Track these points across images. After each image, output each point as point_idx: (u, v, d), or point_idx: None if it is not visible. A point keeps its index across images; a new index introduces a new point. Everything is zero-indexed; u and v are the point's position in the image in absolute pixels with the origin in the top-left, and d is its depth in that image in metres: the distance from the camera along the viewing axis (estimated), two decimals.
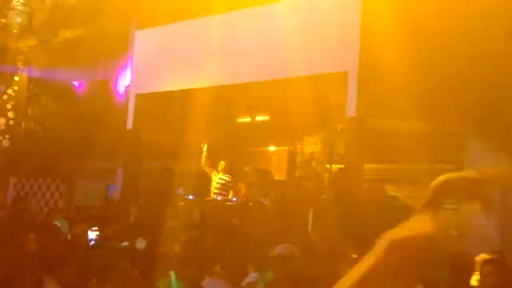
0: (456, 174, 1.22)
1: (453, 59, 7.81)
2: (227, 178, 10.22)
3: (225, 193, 9.97)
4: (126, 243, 6.58)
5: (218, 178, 10.27)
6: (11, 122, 16.14)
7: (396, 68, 8.14)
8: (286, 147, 11.05)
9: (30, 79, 15.23)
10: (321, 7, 9.08)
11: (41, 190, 15.48)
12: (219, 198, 9.71)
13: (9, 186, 15.46)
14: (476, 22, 7.99)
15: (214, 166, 10.42)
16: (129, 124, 11.47)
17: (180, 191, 11.25)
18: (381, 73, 8.19)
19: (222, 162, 10.29)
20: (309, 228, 7.74)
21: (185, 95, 10.89)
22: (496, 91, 7.95)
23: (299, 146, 10.68)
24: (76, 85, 12.89)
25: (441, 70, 8.08)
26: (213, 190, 10.14)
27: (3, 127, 16.14)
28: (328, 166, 9.36)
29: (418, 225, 1.18)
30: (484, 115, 8.18)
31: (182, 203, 9.83)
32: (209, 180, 10.41)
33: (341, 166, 8.71)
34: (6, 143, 16.02)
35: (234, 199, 9.75)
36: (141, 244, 6.10)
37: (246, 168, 9.77)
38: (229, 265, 4.45)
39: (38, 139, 15.31)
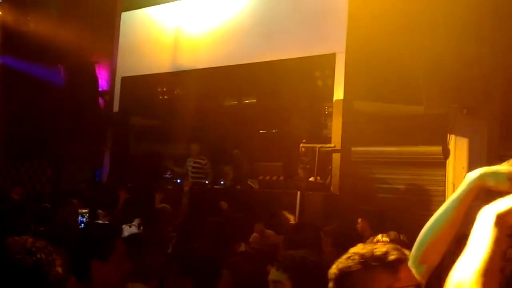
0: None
1: (441, 40, 7.78)
2: (202, 161, 10.10)
3: (201, 176, 9.87)
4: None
5: (192, 163, 10.14)
6: None
7: (384, 50, 8.13)
8: (274, 130, 11.03)
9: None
10: None
11: (28, 174, 15.38)
12: (206, 182, 9.68)
13: None
14: (464, 4, 7.96)
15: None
16: (116, 107, 11.36)
17: (168, 174, 11.22)
18: (369, 55, 8.16)
19: (194, 145, 10.13)
20: (296, 211, 7.75)
21: (171, 77, 10.79)
22: (483, 73, 7.95)
23: (286, 129, 10.65)
24: (61, 68, 12.69)
25: (429, 51, 8.05)
26: (189, 174, 10.04)
27: None
28: (316, 148, 9.34)
29: None
30: (471, 97, 8.19)
31: (170, 186, 9.79)
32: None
33: (329, 148, 8.70)
34: None
35: (222, 182, 9.73)
36: (128, 229, 6.05)
37: (234, 151, 9.73)
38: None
39: (24, 122, 15.13)
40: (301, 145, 8.78)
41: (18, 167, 15.54)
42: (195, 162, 10.12)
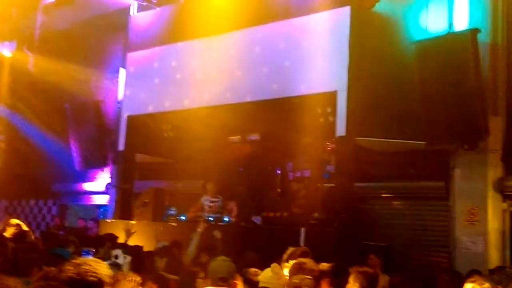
0: None
1: (441, 77, 7.93)
2: (217, 200, 10.19)
3: (217, 215, 9.94)
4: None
5: (209, 202, 10.22)
6: (2, 145, 16.14)
7: (385, 88, 8.29)
8: (277, 166, 11.11)
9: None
10: (310, 28, 9.22)
11: (33, 212, 15.45)
12: (211, 219, 9.69)
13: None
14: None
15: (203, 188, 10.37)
16: (121, 145, 11.50)
17: (172, 211, 11.27)
18: (370, 92, 8.31)
19: (210, 184, 10.22)
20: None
21: (176, 116, 10.96)
22: (484, 109, 8.06)
23: (290, 165, 10.73)
24: (68, 106, 12.91)
25: (429, 88, 8.19)
26: (205, 213, 10.10)
27: None
28: (319, 184, 9.42)
29: None
30: (472, 133, 8.28)
31: (174, 223, 9.83)
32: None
33: (332, 184, 8.77)
34: None
35: (226, 218, 9.76)
36: (124, 259, 6.01)
37: (238, 188, 9.80)
38: None
39: (29, 161, 15.29)
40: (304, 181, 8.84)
41: (23, 205, 15.62)
42: (211, 202, 10.14)
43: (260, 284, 4.20)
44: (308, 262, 4.09)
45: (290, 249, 5.46)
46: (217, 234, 8.46)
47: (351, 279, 4.22)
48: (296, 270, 3.94)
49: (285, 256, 5.21)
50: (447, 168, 8.66)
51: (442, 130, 8.07)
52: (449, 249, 8.32)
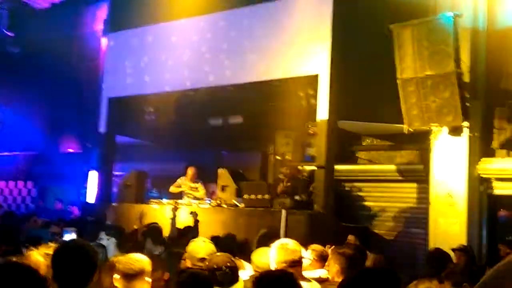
0: None
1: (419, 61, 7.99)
2: (198, 186, 10.24)
3: (197, 199, 9.98)
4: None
5: (189, 186, 10.25)
6: None
7: (367, 70, 8.32)
8: (259, 149, 11.15)
9: None
10: (293, 11, 9.18)
11: (13, 194, 15.33)
12: (194, 201, 9.73)
13: None
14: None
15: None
16: (102, 127, 11.41)
17: (154, 193, 11.27)
18: (352, 75, 8.34)
19: (191, 169, 10.26)
20: (281, 230, 7.83)
21: (158, 98, 10.89)
22: (463, 92, 8.15)
23: (271, 148, 10.77)
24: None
25: (411, 72, 8.24)
26: (187, 197, 10.13)
27: None
28: (300, 167, 9.47)
29: None
30: (452, 116, 8.37)
31: (156, 205, 9.83)
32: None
33: (313, 167, 8.82)
34: None
35: (208, 200, 9.80)
36: (107, 241, 6.00)
37: (220, 170, 9.80)
38: None
39: (9, 142, 15.13)
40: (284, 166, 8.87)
41: (2, 187, 15.49)
42: (191, 188, 10.20)
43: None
44: (293, 243, 4.08)
45: (261, 231, 5.47)
46: (194, 215, 8.51)
47: (330, 261, 4.25)
48: (281, 250, 3.92)
49: (256, 238, 5.23)
50: (426, 151, 8.77)
51: (422, 113, 8.15)
52: (427, 231, 8.46)
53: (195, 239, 4.65)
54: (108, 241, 5.77)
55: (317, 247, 4.94)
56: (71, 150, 14.51)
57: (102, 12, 12.99)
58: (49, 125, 14.06)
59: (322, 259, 4.72)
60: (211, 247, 4.45)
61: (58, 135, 14.39)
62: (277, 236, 5.36)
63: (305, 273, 4.06)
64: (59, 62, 13.40)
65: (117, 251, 5.74)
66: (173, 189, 10.29)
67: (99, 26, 12.98)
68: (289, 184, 8.90)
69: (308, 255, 4.73)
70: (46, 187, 15.15)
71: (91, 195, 11.71)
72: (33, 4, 13.96)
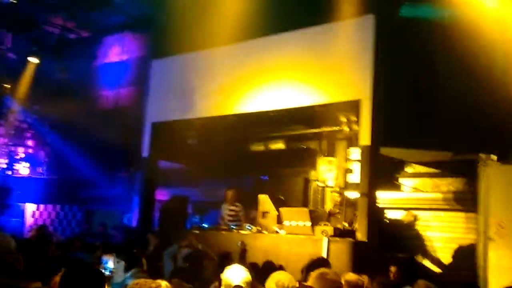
0: None
1: (467, 85, 7.76)
2: (237, 208, 10.19)
3: (238, 222, 9.92)
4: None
5: (227, 210, 10.22)
6: (30, 150, 16.42)
7: (410, 96, 8.14)
8: (301, 175, 11.01)
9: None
10: (334, 36, 9.11)
11: (59, 218, 15.63)
12: (233, 227, 9.65)
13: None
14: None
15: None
16: (145, 152, 11.55)
17: (194, 218, 11.26)
18: (395, 101, 8.17)
19: (230, 192, 10.24)
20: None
21: (200, 123, 10.97)
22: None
23: (313, 174, 10.62)
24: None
25: (456, 97, 8.02)
26: (225, 221, 10.10)
27: (22, 155, 16.40)
28: (342, 194, 9.30)
29: None
30: (501, 143, 8.08)
31: (197, 231, 9.81)
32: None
33: (356, 194, 8.63)
34: (25, 171, 16.25)
35: (249, 227, 9.70)
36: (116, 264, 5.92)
37: (260, 196, 9.71)
38: None
39: (55, 166, 15.51)
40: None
41: (49, 211, 15.83)
42: (230, 210, 10.18)
43: None
44: (330, 272, 3.97)
45: (309, 260, 5.36)
46: (241, 244, 8.39)
47: None
48: (319, 280, 3.81)
49: (304, 267, 5.12)
50: (474, 179, 8.45)
51: (469, 139, 7.89)
52: (477, 264, 8.10)
53: (231, 266, 4.56)
54: (118, 264, 5.71)
55: (351, 276, 4.79)
56: (116, 174, 14.75)
57: (146, 39, 13.28)
58: (95, 149, 14.33)
59: None
60: (247, 275, 4.36)
61: (103, 159, 14.65)
62: (323, 265, 5.22)
63: None
64: (103, 87, 13.72)
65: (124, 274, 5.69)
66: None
67: (144, 53, 13.26)
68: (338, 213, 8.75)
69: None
70: (91, 211, 15.40)
71: (135, 219, 11.81)
72: (79, 31, 14.43)
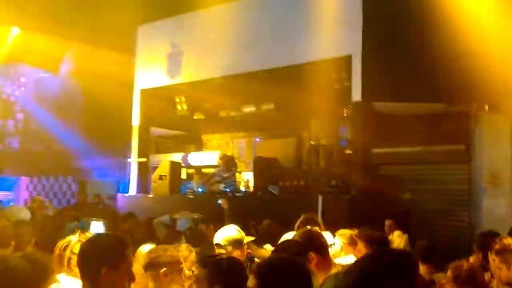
0: None
1: (456, 39, 7.64)
2: (230, 174, 10.12)
3: (232, 187, 9.84)
4: None
5: (221, 176, 10.16)
6: (20, 124, 16.25)
7: (401, 50, 8.02)
8: (293, 135, 10.97)
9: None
10: None
11: (53, 190, 15.58)
12: (227, 190, 9.63)
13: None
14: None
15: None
16: (135, 120, 11.44)
17: (190, 184, 11.23)
18: (386, 55, 8.07)
19: (223, 158, 10.12)
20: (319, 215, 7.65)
21: (189, 87, 10.84)
22: (505, 69, 7.78)
23: (305, 133, 10.57)
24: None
25: (448, 49, 7.92)
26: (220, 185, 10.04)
27: (12, 129, 16.25)
28: (335, 152, 9.26)
29: None
30: (493, 93, 8.03)
31: (191, 196, 9.81)
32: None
33: (349, 151, 8.60)
34: (15, 144, 16.13)
35: (242, 189, 9.69)
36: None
37: (254, 158, 9.69)
38: None
39: (47, 139, 15.38)
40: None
41: (43, 183, 15.76)
42: (223, 176, 10.11)
43: None
44: (315, 230, 3.93)
45: (302, 217, 5.36)
46: (223, 202, 8.36)
47: (358, 245, 4.11)
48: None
49: (296, 224, 5.11)
50: (467, 131, 8.44)
51: (461, 91, 7.83)
52: (471, 214, 8.15)
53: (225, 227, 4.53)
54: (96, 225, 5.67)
55: (345, 231, 4.81)
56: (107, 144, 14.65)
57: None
58: (86, 119, 14.21)
59: (353, 243, 4.60)
60: (232, 233, 4.35)
61: (94, 130, 14.53)
62: (316, 222, 5.22)
63: (337, 260, 3.91)
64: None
65: None
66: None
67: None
68: (325, 169, 8.72)
69: (337, 241, 4.61)
70: (86, 182, 15.35)
71: (130, 187, 11.78)
72: None
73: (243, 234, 4.32)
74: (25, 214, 5.73)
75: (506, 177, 7.95)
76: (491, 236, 4.49)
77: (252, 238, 4.62)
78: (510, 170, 7.96)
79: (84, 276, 2.66)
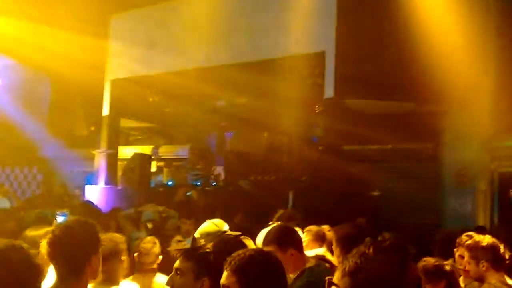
0: None
1: (428, 38, 7.75)
2: (199, 168, 10.12)
3: (202, 180, 9.86)
4: None
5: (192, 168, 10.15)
6: None
7: (374, 48, 8.09)
8: (265, 130, 10.98)
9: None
10: None
11: (18, 180, 15.26)
12: (198, 184, 9.62)
13: None
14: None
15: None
16: (105, 110, 11.27)
17: (159, 177, 11.17)
18: (359, 53, 8.12)
19: (193, 153, 10.11)
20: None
21: (161, 79, 10.72)
22: (473, 69, 7.94)
23: (277, 128, 10.59)
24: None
25: (420, 49, 8.02)
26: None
27: None
28: (307, 147, 9.31)
29: None
30: (462, 93, 8.17)
31: (161, 188, 9.74)
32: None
33: (320, 147, 8.65)
34: None
35: (214, 183, 9.68)
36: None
37: (225, 153, 9.68)
38: None
39: (13, 127, 15.03)
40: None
41: (8, 173, 15.43)
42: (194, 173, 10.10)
43: None
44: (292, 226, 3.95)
45: (279, 212, 5.38)
46: (194, 194, 8.33)
47: (333, 242, 4.13)
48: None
49: (274, 219, 5.12)
50: (435, 130, 8.58)
51: (430, 90, 7.94)
52: (438, 211, 8.30)
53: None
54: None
55: (312, 227, 4.86)
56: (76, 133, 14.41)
57: None
58: (54, 108, 13.93)
59: (319, 239, 4.68)
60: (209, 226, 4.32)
61: (63, 118, 14.26)
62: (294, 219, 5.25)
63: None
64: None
65: None
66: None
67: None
68: (296, 165, 8.75)
69: (303, 237, 4.65)
70: (52, 173, 15.07)
71: (98, 178, 11.61)
72: None
73: (222, 228, 4.28)
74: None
75: (473, 175, 8.12)
76: (455, 234, 4.58)
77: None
78: (476, 169, 8.14)
79: (69, 266, 2.54)
